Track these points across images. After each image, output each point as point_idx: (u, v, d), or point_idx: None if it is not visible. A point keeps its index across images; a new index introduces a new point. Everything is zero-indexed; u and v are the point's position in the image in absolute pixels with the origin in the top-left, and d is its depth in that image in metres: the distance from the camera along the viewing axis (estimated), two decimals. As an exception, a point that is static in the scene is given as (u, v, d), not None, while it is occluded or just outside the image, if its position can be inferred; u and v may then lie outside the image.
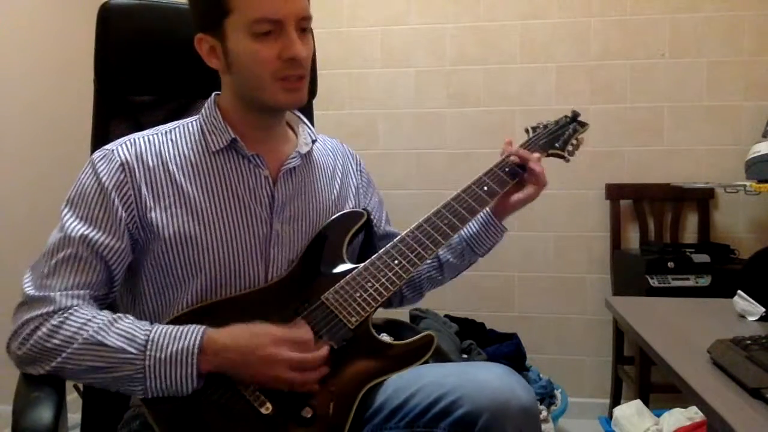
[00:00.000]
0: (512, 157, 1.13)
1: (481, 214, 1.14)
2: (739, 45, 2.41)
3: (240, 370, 0.88)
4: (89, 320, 0.88)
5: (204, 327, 0.89)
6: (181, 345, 0.86)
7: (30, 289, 0.90)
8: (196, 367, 0.86)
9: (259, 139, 1.04)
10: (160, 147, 1.00)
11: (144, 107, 1.21)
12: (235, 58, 0.97)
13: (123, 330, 0.87)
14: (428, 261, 1.14)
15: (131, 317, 0.91)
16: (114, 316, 0.90)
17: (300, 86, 0.98)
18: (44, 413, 0.83)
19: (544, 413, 2.13)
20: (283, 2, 0.93)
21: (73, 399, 1.05)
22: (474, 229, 1.15)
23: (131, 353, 0.86)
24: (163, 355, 0.85)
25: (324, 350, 0.91)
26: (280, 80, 0.96)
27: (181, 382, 0.86)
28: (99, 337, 0.86)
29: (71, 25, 2.39)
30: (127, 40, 1.17)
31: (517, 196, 1.13)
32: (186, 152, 1.01)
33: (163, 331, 0.88)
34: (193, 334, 0.87)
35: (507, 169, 1.13)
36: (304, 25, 0.97)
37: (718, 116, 2.44)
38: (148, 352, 0.86)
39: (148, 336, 0.87)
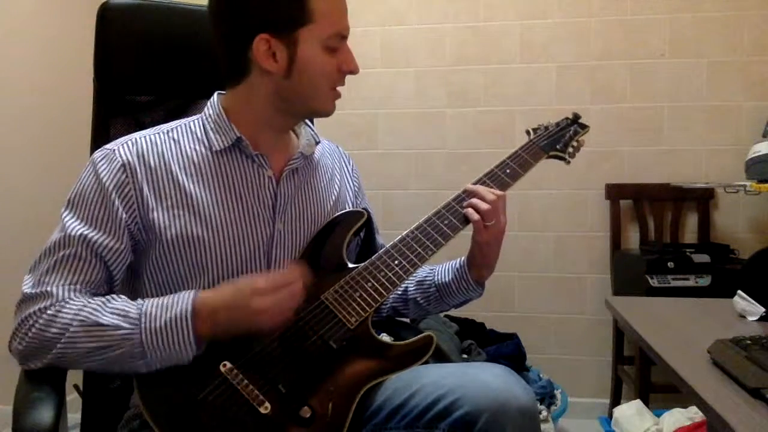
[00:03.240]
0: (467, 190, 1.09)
1: (458, 261, 1.12)
2: (739, 45, 2.42)
3: (230, 325, 0.88)
4: (84, 305, 0.88)
5: (195, 291, 0.89)
6: (173, 312, 0.87)
7: (28, 288, 0.90)
8: (192, 331, 0.86)
9: (266, 139, 1.04)
10: (162, 147, 1.00)
11: (143, 107, 1.21)
12: (302, 66, 0.97)
13: (116, 308, 0.88)
14: (398, 292, 1.15)
15: (124, 297, 0.92)
16: (106, 297, 0.91)
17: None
18: (44, 413, 0.83)
19: (544, 413, 2.13)
20: (346, 19, 1.00)
21: (73, 399, 1.05)
22: (447, 277, 1.12)
23: (127, 328, 0.86)
24: (157, 325, 0.86)
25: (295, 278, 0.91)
26: (333, 90, 1.01)
27: (180, 348, 0.86)
28: (94, 318, 0.87)
29: (71, 25, 2.39)
30: (126, 39, 1.17)
31: (473, 241, 1.08)
32: (188, 152, 1.01)
33: (155, 302, 0.89)
34: (184, 299, 0.88)
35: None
36: None
37: (718, 116, 2.44)
38: (142, 325, 0.86)
39: (141, 309, 0.88)
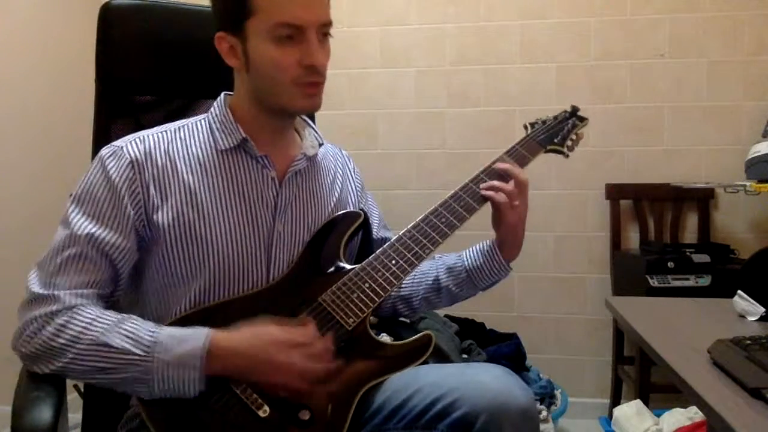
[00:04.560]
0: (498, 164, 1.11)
1: (485, 244, 1.12)
2: (739, 45, 2.41)
3: (246, 376, 0.88)
4: (94, 320, 0.87)
5: (209, 330, 0.88)
6: (186, 348, 0.86)
7: (35, 287, 0.90)
8: (200, 371, 0.86)
9: (268, 140, 1.04)
10: (168, 145, 1.00)
11: (145, 107, 1.21)
12: (254, 61, 0.97)
13: (128, 331, 0.87)
14: (429, 282, 1.14)
15: (137, 318, 0.91)
16: (120, 316, 0.90)
17: (317, 91, 0.99)
18: (44, 413, 0.83)
19: (544, 413, 2.13)
20: (305, 8, 0.94)
21: (74, 398, 1.05)
22: (477, 261, 1.11)
23: (137, 355, 0.85)
24: (168, 358, 0.85)
25: (333, 363, 0.91)
26: (300, 86, 0.97)
27: (186, 385, 0.86)
28: (104, 338, 0.86)
29: (72, 26, 2.39)
30: (128, 40, 1.17)
31: (502, 223, 1.07)
32: (194, 150, 1.01)
33: (169, 333, 0.88)
34: (198, 337, 0.87)
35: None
36: (325, 31, 0.98)
37: (718, 116, 2.44)
38: (154, 354, 0.85)
39: (154, 337, 0.87)
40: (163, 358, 0.85)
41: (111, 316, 0.89)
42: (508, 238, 1.09)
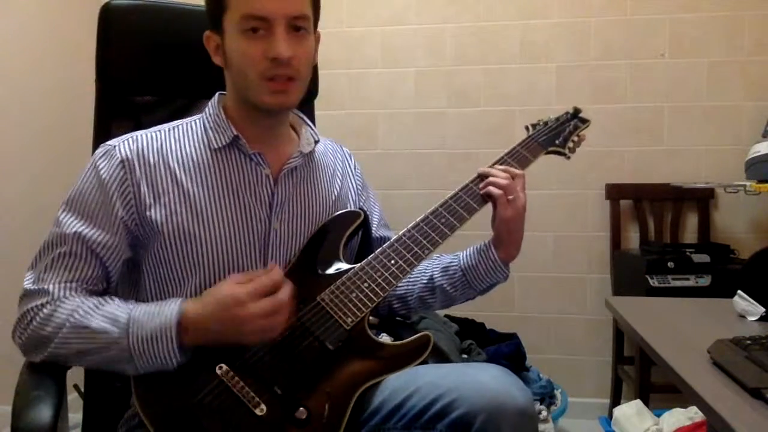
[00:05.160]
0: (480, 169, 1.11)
1: (482, 243, 1.11)
2: (739, 45, 2.41)
3: (218, 339, 0.89)
4: (78, 306, 0.90)
5: (181, 301, 0.90)
6: (159, 321, 0.88)
7: (28, 284, 0.94)
8: (176, 342, 0.87)
9: (261, 138, 1.04)
10: (161, 144, 1.01)
11: (146, 108, 1.21)
12: (229, 57, 0.98)
13: (108, 312, 0.90)
14: (423, 281, 1.14)
15: (117, 299, 0.93)
16: (102, 299, 0.92)
17: (287, 88, 0.97)
18: (44, 413, 0.83)
19: (544, 413, 2.13)
20: (272, 0, 0.93)
21: (74, 398, 1.05)
22: (472, 259, 1.10)
23: (114, 333, 0.88)
24: (143, 333, 0.87)
25: (280, 284, 0.92)
26: (267, 80, 0.95)
27: (165, 357, 0.88)
28: (85, 321, 0.89)
29: (72, 26, 2.39)
30: (128, 40, 1.17)
31: (497, 218, 1.07)
32: (188, 149, 1.01)
33: (143, 309, 0.90)
34: (169, 309, 0.89)
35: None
36: (297, 24, 0.96)
37: (718, 116, 2.44)
38: (130, 331, 0.87)
39: (129, 315, 0.89)
40: (139, 333, 0.87)
41: (93, 300, 0.92)
42: (504, 236, 1.08)
